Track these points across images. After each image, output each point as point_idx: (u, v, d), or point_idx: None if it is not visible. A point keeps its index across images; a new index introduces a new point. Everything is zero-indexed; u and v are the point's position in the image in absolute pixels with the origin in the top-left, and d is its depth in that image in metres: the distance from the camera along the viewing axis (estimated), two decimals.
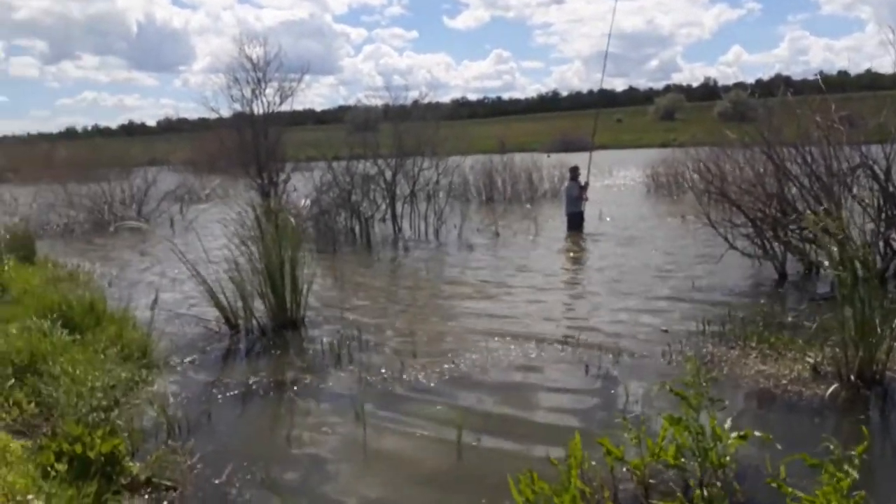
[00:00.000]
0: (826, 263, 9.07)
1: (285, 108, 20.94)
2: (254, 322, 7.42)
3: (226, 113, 20.60)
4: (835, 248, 8.97)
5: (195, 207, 20.35)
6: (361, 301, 8.85)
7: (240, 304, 7.45)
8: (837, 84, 10.80)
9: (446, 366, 6.07)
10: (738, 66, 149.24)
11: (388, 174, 14.78)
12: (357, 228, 14.47)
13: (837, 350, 5.46)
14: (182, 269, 11.76)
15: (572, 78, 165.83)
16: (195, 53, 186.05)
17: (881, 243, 8.71)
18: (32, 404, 4.90)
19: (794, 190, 8.97)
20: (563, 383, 5.68)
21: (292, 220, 7.90)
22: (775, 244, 9.17)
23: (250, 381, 5.89)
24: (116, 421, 4.65)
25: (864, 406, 5.03)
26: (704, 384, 3.91)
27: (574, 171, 14.65)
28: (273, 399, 5.58)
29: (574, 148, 46.78)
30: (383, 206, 14.91)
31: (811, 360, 5.68)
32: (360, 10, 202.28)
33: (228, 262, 7.86)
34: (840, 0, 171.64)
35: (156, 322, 7.12)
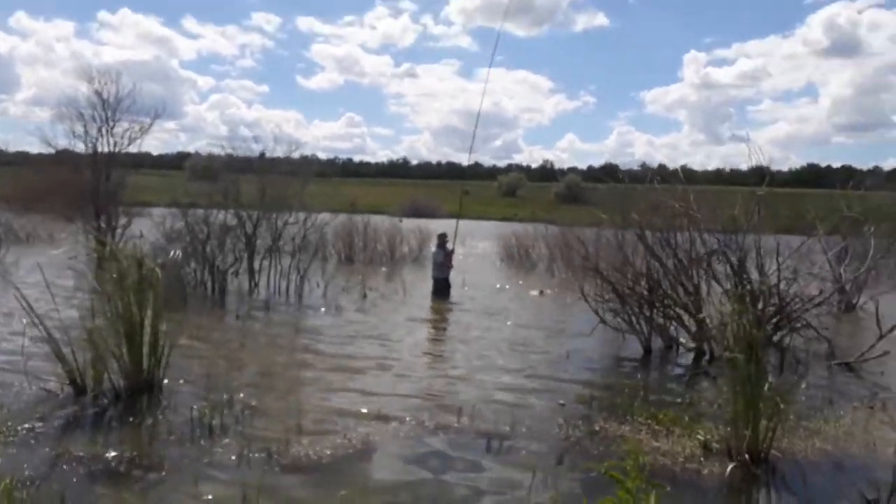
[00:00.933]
0: (683, 341, 9.72)
1: (132, 149, 19.40)
2: (105, 384, 6.45)
3: (64, 147, 18.70)
4: (694, 327, 9.65)
5: (14, 249, 18.05)
6: (227, 362, 8.05)
7: (88, 362, 6.47)
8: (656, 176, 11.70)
9: (338, 439, 5.55)
10: (572, 151, 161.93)
11: (249, 226, 13.94)
12: (209, 282, 13.41)
13: (727, 428, 5.64)
14: (3, 314, 10.31)
15: (421, 148, 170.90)
16: (19, 82, 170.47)
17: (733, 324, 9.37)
18: None
19: (660, 270, 9.47)
20: (464, 458, 5.37)
21: (158, 270, 7.04)
22: (641, 320, 9.57)
23: (109, 456, 5.02)
24: None
25: (755, 484, 5.17)
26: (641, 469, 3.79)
27: (442, 238, 14.74)
28: (140, 480, 4.75)
29: (424, 214, 47.83)
30: (239, 260, 13.96)
31: (701, 438, 5.83)
32: (211, 58, 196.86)
33: (70, 314, 6.88)
34: (661, 102, 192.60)
35: None
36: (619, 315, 9.66)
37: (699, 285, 9.60)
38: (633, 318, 9.56)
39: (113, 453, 5.07)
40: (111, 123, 17.51)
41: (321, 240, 16.16)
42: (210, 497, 4.51)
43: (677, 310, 9.63)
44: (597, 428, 6.14)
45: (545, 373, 8.12)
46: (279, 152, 16.28)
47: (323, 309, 12.02)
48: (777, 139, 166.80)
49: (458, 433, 5.86)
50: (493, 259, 22.58)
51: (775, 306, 9.17)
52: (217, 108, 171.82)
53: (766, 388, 5.52)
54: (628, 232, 10.60)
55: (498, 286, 16.23)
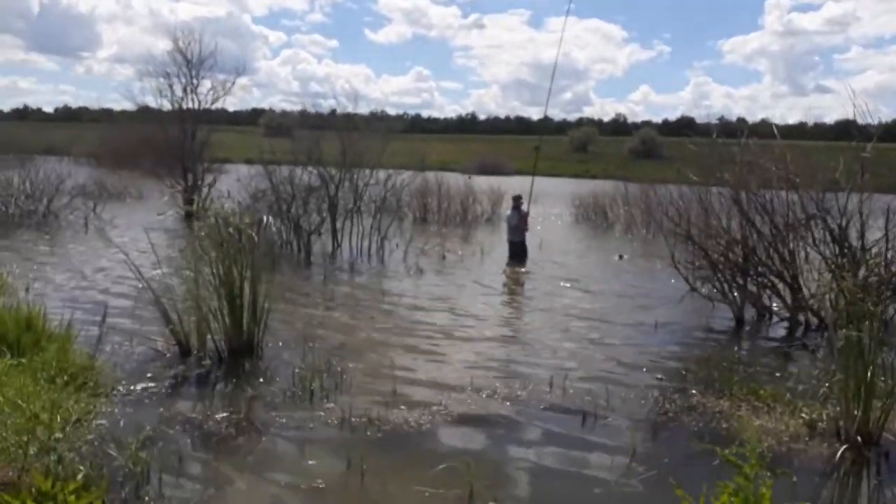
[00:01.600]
0: (778, 310, 9.37)
1: (214, 107, 19.88)
2: (209, 346, 6.71)
3: (145, 105, 19.34)
4: (790, 297, 9.25)
5: (109, 206, 18.91)
6: (319, 327, 8.21)
7: (192, 324, 6.74)
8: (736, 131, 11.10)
9: (435, 407, 5.63)
10: (646, 104, 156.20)
11: (332, 187, 14.12)
12: (295, 242, 13.71)
13: (836, 408, 5.43)
14: (103, 272, 10.83)
15: (489, 102, 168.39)
16: (101, 40, 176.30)
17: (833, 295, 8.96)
18: None
19: (755, 236, 9.09)
20: (561, 434, 5.36)
21: (253, 233, 7.20)
22: (734, 288, 9.26)
23: (218, 418, 5.23)
24: (79, 467, 3.94)
25: (866, 467, 4.97)
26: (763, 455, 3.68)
27: (517, 200, 14.52)
28: (248, 442, 4.94)
29: (493, 171, 47.21)
30: (322, 221, 14.20)
31: (805, 417, 5.63)
32: (281, 13, 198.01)
33: (171, 275, 7.15)
34: (741, 51, 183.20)
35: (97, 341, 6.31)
36: (711, 283, 9.37)
37: (795, 252, 9.19)
38: (726, 287, 9.26)
39: (222, 415, 5.28)
40: (195, 82, 17.93)
41: (397, 200, 16.23)
42: (313, 462, 4.64)
43: (772, 278, 9.27)
44: (693, 402, 6.01)
45: (634, 343, 7.97)
46: (350, 109, 16.32)
47: (405, 272, 12.13)
48: (867, 89, 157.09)
49: (552, 407, 5.83)
50: (567, 219, 22.25)
51: (879, 277, 8.70)
52: (288, 64, 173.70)
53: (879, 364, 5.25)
54: (714, 191, 10.20)
55: (575, 250, 15.96)
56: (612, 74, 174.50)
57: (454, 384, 6.18)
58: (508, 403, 5.82)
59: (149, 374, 6.10)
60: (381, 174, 14.57)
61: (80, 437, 4.48)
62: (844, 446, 5.07)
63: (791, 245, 9.15)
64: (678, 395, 6.19)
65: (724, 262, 9.18)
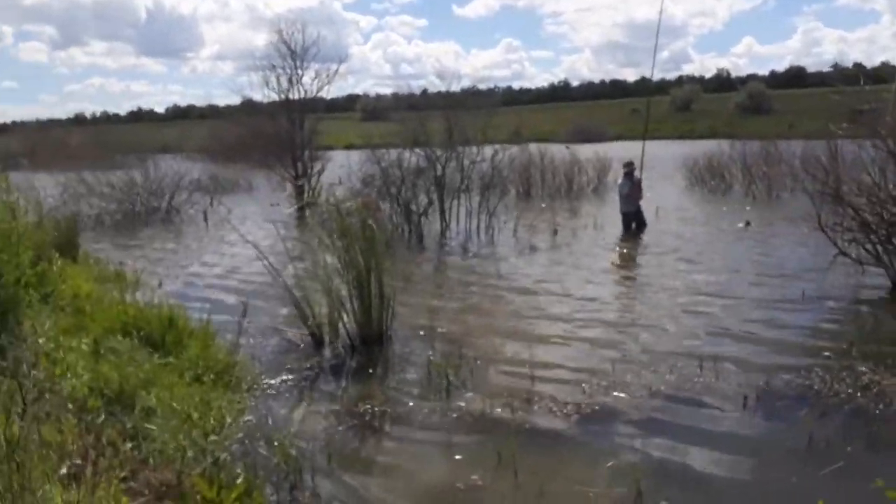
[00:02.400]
0: None
1: (321, 95, 20.13)
2: (341, 337, 6.70)
3: (260, 99, 19.87)
4: None
5: (224, 199, 19.63)
6: (440, 314, 7.99)
7: (323, 315, 6.74)
8: (854, 77, 9.96)
9: (578, 398, 5.33)
10: (749, 57, 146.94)
11: (438, 167, 13.95)
12: (406, 226, 13.67)
13: None
14: (227, 265, 11.17)
15: (582, 68, 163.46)
16: (203, 40, 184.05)
17: None
18: (128, 444, 4.19)
19: None
20: (722, 422, 4.95)
21: (373, 224, 7.09)
22: (889, 251, 8.39)
23: (360, 410, 5.16)
24: (236, 469, 3.92)
25: None
26: None
27: (629, 167, 13.75)
28: (394, 436, 4.85)
29: (590, 138, 45.77)
30: (431, 202, 14.07)
31: None
32: None
33: (296, 266, 7.18)
34: None
35: (233, 336, 6.40)
36: (862, 245, 8.52)
37: None
38: (880, 248, 8.39)
39: (364, 407, 5.21)
40: (300, 73, 18.19)
41: (500, 175, 15.80)
42: (461, 457, 4.46)
43: None
44: (866, 381, 5.42)
45: (782, 319, 7.27)
46: (442, 88, 15.98)
47: (517, 251, 11.83)
48: None
49: (707, 393, 5.38)
50: (681, 183, 21.09)
51: None
52: (379, 48, 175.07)
53: None
54: (847, 144, 9.23)
55: (694, 218, 15.00)
56: (713, 28, 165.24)
57: (593, 373, 5.81)
58: (657, 392, 5.43)
59: (287, 367, 6.14)
60: (488, 151, 14.24)
61: (230, 437, 4.49)
62: None
63: None
64: (846, 373, 5.59)
65: (878, 221, 8.31)
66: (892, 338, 6.45)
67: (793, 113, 55.94)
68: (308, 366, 6.20)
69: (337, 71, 19.08)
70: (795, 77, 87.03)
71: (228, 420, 4.44)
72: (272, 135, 19.51)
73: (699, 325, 7.15)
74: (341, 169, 18.49)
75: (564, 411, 5.09)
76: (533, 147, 21.07)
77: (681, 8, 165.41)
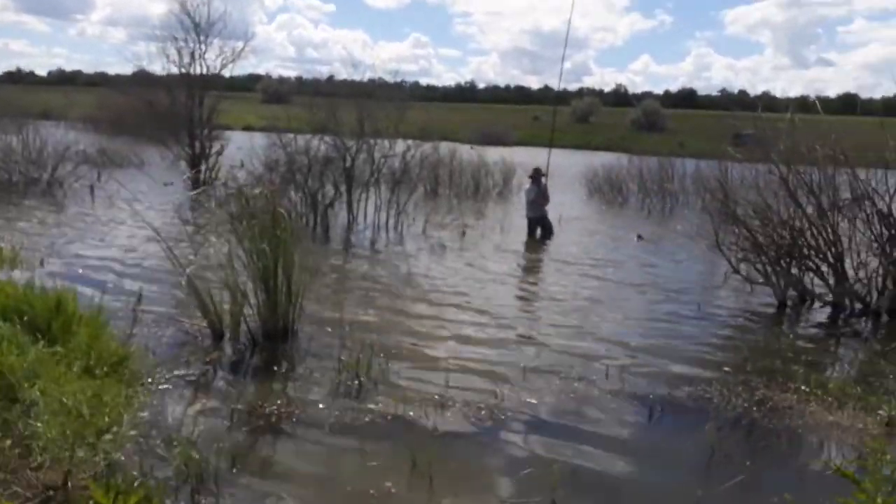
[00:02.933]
0: (822, 294, 9.04)
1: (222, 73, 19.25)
2: (243, 330, 6.35)
3: (155, 71, 18.71)
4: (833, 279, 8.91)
5: (114, 174, 18.35)
6: (349, 309, 7.70)
7: (226, 307, 6.38)
8: (738, 102, 10.71)
9: (492, 402, 5.29)
10: (646, 75, 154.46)
11: (348, 158, 13.63)
12: (312, 216, 13.26)
13: None
14: (118, 246, 10.41)
15: (488, 70, 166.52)
16: (93, 2, 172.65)
17: (879, 279, 8.65)
18: (9, 442, 3.77)
19: (803, 218, 8.73)
20: (631, 431, 5.05)
21: (284, 211, 6.80)
22: (777, 271, 8.93)
23: (268, 412, 4.89)
24: (132, 473, 3.59)
25: None
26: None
27: (537, 173, 13.92)
28: (303, 439, 4.61)
29: (494, 141, 46.43)
30: (339, 193, 13.73)
31: (883, 413, 5.33)
32: None
33: (196, 251, 6.77)
34: (743, 21, 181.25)
35: (125, 324, 5.94)
36: (753, 265, 9.03)
37: (840, 234, 8.82)
38: (769, 269, 8.91)
39: (271, 407, 4.94)
40: (203, 48, 17.29)
41: (410, 172, 15.65)
42: (376, 464, 4.30)
43: (816, 261, 8.93)
44: (760, 396, 5.70)
45: (681, 331, 7.56)
46: (349, 75, 15.72)
47: (427, 249, 11.74)
48: (869, 63, 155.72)
49: (615, 401, 5.48)
50: (581, 193, 21.68)
51: None
52: (284, 29, 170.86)
53: None
54: (736, 167, 9.70)
55: (596, 229, 15.23)
56: (613, 44, 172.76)
57: (505, 379, 5.79)
58: (568, 398, 5.48)
59: (184, 360, 5.75)
60: (400, 145, 14.06)
61: (126, 436, 4.12)
62: None
63: (837, 226, 8.80)
64: (742, 387, 5.87)
65: (768, 243, 8.83)
66: (780, 354, 6.82)
67: (683, 132, 59.24)
68: (208, 360, 5.83)
69: (243, 49, 18.31)
70: (687, 98, 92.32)
71: (125, 417, 4.07)
72: (168, 109, 18.47)
73: (602, 334, 7.28)
74: (240, 151, 17.79)
75: (479, 416, 5.03)
76: (444, 146, 21.03)
77: (585, 22, 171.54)
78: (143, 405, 4.72)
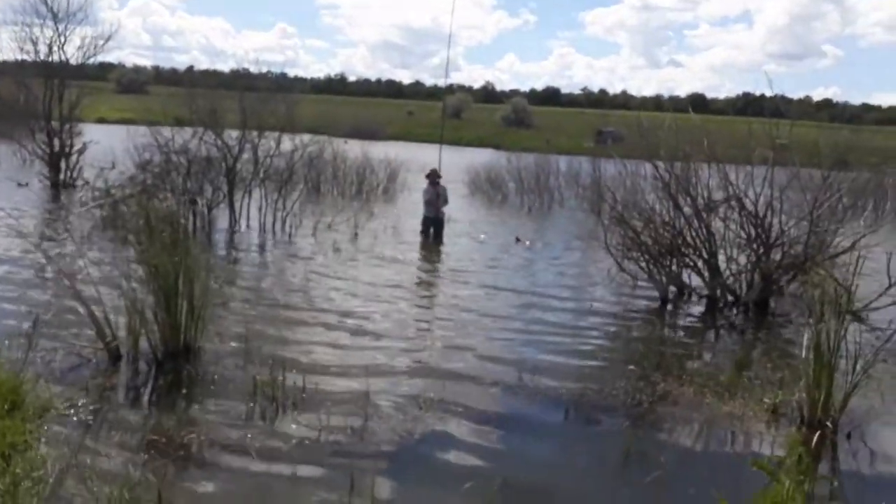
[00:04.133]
0: (698, 288, 9.76)
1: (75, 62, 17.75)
2: (143, 351, 5.96)
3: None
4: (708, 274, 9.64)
5: None
6: (248, 321, 7.35)
7: (119, 324, 5.96)
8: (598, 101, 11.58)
9: (415, 413, 5.29)
10: (512, 73, 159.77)
11: (230, 158, 13.04)
12: (191, 219, 12.57)
13: (800, 392, 5.64)
14: None
15: (357, 63, 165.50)
16: None
17: (749, 274, 9.45)
18: None
19: (681, 219, 9.38)
20: (551, 434, 5.24)
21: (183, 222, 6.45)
22: (659, 268, 9.53)
23: (186, 441, 4.62)
24: None
25: (835, 450, 5.22)
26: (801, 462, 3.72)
27: (433, 175, 13.82)
28: (230, 468, 4.37)
29: (367, 135, 46.10)
30: (221, 194, 13.13)
31: (768, 402, 5.84)
32: None
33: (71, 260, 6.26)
34: (602, 23, 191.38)
35: (12, 351, 5.40)
36: (637, 263, 9.59)
37: (711, 230, 9.52)
38: (652, 267, 9.50)
39: (189, 436, 4.67)
40: (62, 39, 15.90)
41: (293, 170, 15.17)
42: (313, 488, 4.19)
43: (693, 258, 9.62)
44: (661, 391, 6.09)
45: (579, 330, 7.86)
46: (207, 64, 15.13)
47: (321, 251, 11.50)
48: (713, 65, 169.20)
49: (530, 401, 5.69)
50: (462, 191, 21.90)
51: (791, 256, 9.25)
52: (138, 15, 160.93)
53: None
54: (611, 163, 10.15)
55: (484, 229, 15.22)
56: (481, 41, 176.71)
57: (424, 388, 5.79)
58: (487, 406, 5.57)
59: (82, 387, 5.30)
60: (286, 143, 13.59)
61: (27, 475, 3.75)
62: (818, 431, 5.29)
63: (710, 225, 9.51)
64: (643, 383, 6.25)
65: (652, 243, 9.41)
66: (670, 348, 7.34)
67: (549, 129, 61.74)
68: (109, 385, 5.44)
69: (109, 40, 17.02)
70: (552, 96, 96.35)
71: (33, 458, 3.71)
72: (20, 102, 16.87)
73: (507, 338, 7.43)
74: (97, 146, 16.56)
75: (406, 430, 5.02)
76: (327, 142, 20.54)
77: (455, 18, 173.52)
78: (46, 441, 4.33)
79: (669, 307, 9.38)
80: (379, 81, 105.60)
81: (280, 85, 20.17)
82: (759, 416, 5.66)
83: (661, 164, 9.63)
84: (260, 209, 13.44)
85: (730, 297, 9.47)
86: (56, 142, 16.41)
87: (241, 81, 15.51)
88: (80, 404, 4.99)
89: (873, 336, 7.26)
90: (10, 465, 3.45)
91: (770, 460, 3.82)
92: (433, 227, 13.47)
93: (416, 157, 24.26)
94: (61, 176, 16.38)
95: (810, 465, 4.59)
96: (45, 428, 4.53)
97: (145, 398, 5.44)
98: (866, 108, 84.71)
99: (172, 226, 6.23)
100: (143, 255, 6.06)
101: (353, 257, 11.24)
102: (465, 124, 69.08)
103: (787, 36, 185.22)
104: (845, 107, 75.29)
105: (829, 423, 5.38)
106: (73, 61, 16.26)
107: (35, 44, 15.88)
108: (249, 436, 4.77)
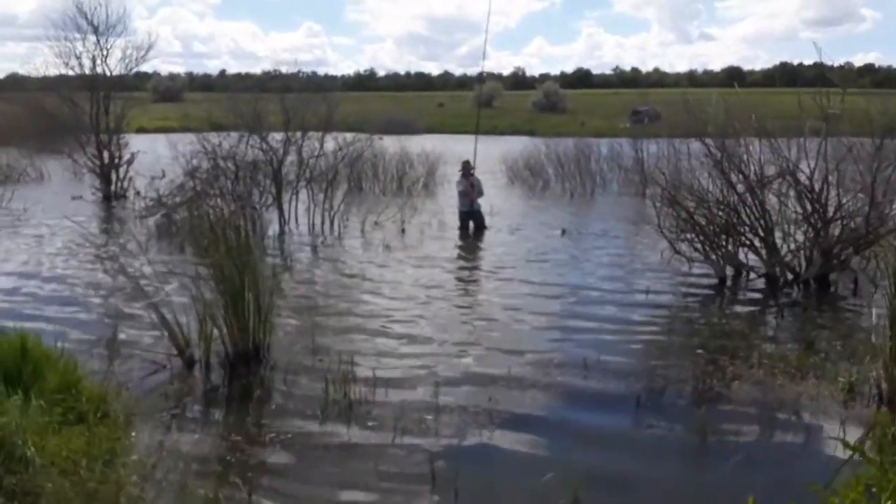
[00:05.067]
0: (756, 266, 9.57)
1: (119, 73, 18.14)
2: (215, 355, 6.10)
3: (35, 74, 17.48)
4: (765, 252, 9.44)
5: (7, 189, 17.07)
6: (313, 321, 7.47)
7: (192, 331, 6.11)
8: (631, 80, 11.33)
9: (486, 407, 5.31)
10: (541, 56, 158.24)
11: (275, 160, 13.24)
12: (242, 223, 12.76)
13: (879, 371, 5.52)
14: (46, 270, 9.65)
15: (384, 58, 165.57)
16: None
17: (807, 250, 9.24)
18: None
19: (735, 197, 9.22)
20: (623, 424, 5.22)
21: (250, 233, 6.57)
22: (715, 248, 9.39)
23: (267, 440, 4.73)
24: None
25: None
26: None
27: (466, 167, 13.77)
28: (315, 466, 4.47)
29: (401, 130, 46.04)
30: (270, 197, 13.35)
31: (843, 380, 5.72)
32: None
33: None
34: (629, 0, 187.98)
35: (92, 360, 5.59)
36: (693, 245, 9.45)
37: (766, 207, 9.32)
38: (707, 247, 9.37)
39: (270, 435, 4.79)
40: (105, 51, 16.29)
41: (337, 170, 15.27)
42: (397, 483, 4.25)
43: (749, 236, 9.45)
44: (730, 375, 6.01)
45: (638, 317, 7.75)
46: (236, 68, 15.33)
47: (372, 250, 11.56)
48: (746, 36, 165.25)
49: (599, 391, 5.67)
50: (502, 181, 21.81)
51: (851, 230, 9.01)
52: (168, 23, 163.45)
53: None
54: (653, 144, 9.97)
55: (524, 220, 14.66)
56: (507, 27, 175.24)
57: (494, 381, 5.78)
58: (557, 399, 5.58)
59: (161, 393, 5.48)
60: (329, 142, 13.74)
61: (121, 483, 3.89)
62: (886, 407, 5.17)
63: (765, 201, 9.31)
64: (712, 367, 6.17)
65: (706, 223, 9.27)
66: (734, 329, 7.21)
67: (582, 111, 61.08)
68: (187, 390, 5.59)
69: (149, 50, 17.38)
70: (583, 78, 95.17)
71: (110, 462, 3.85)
72: (68, 117, 17.30)
73: (567, 329, 7.34)
74: (143, 156, 16.90)
75: (480, 423, 5.05)
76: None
77: (478, 6, 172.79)
78: (135, 447, 4.48)
79: (728, 288, 9.24)
80: (408, 74, 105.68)
81: (319, 85, 20.41)
82: (835, 395, 5.55)
83: (710, 141, 9.45)
84: (308, 210, 13.61)
85: (789, 275, 9.29)
86: (105, 154, 16.81)
87: (275, 83, 15.68)
88: (162, 410, 5.15)
89: None
90: (112, 469, 3.57)
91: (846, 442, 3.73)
92: (472, 220, 13.35)
93: (452, 148, 24.13)
94: (112, 187, 16.80)
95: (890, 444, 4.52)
96: (134, 434, 4.69)
97: (223, 401, 5.58)
98: None
99: (236, 229, 6.35)
100: (208, 260, 6.18)
101: (403, 254, 11.26)
102: (497, 112, 68.70)
103: (823, 1, 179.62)
104: (889, 71, 72.74)
105: None
106: (115, 73, 16.60)
107: (79, 58, 16.28)
108: (327, 433, 4.87)
